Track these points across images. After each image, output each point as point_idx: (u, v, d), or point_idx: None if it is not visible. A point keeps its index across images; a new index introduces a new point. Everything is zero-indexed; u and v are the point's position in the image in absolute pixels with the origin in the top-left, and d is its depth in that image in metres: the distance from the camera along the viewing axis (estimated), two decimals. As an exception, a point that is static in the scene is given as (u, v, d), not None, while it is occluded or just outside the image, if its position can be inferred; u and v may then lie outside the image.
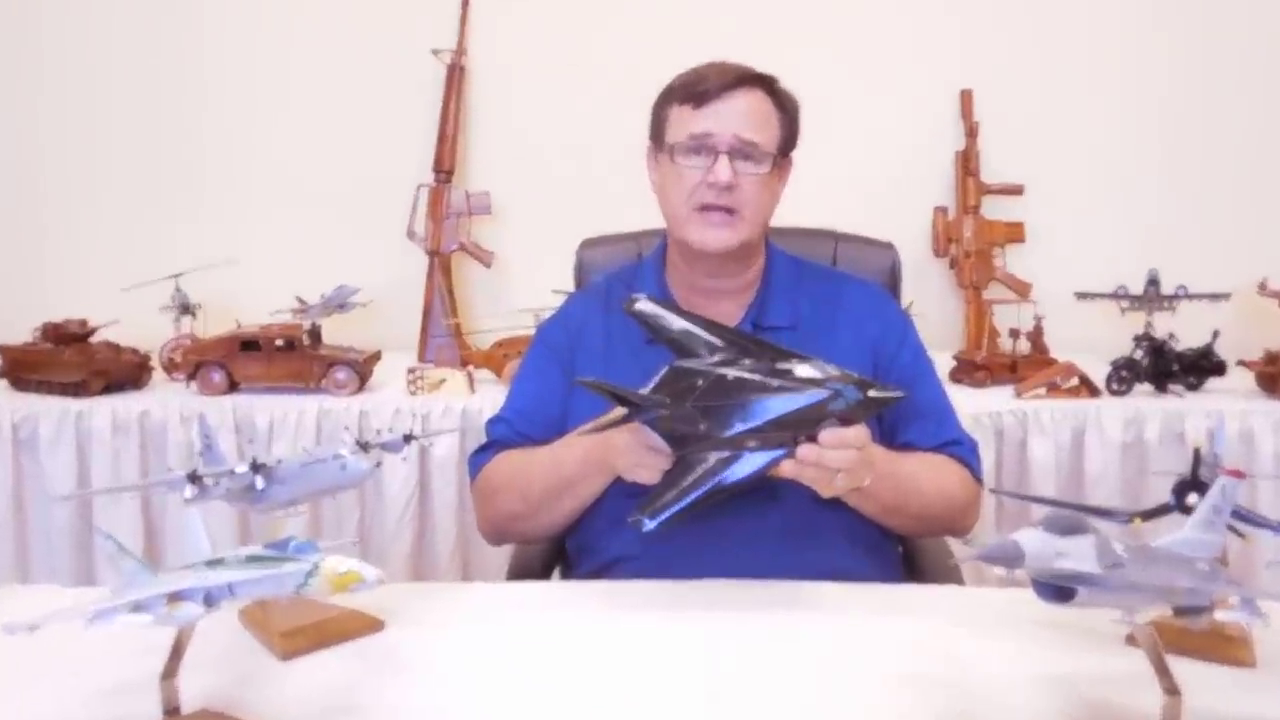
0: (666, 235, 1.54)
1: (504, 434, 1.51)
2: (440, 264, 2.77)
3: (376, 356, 2.57)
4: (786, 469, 1.22)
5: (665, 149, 1.44)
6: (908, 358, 1.50)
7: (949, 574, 1.48)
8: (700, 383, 1.24)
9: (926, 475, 1.42)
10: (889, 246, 1.83)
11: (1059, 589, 0.93)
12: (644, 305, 1.35)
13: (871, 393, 1.21)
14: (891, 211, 2.76)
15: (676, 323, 1.32)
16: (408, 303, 2.81)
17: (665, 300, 1.39)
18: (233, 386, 2.43)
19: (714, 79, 1.41)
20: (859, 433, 1.24)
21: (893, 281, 1.79)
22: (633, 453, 1.29)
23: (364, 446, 1.24)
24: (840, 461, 1.22)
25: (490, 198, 2.79)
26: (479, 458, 1.52)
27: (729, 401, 1.21)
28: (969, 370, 2.52)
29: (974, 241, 2.76)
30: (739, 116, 1.40)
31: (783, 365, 1.23)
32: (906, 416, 1.47)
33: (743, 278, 1.50)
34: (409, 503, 2.36)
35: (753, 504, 1.37)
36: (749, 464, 1.21)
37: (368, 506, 2.40)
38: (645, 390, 1.26)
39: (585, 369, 1.49)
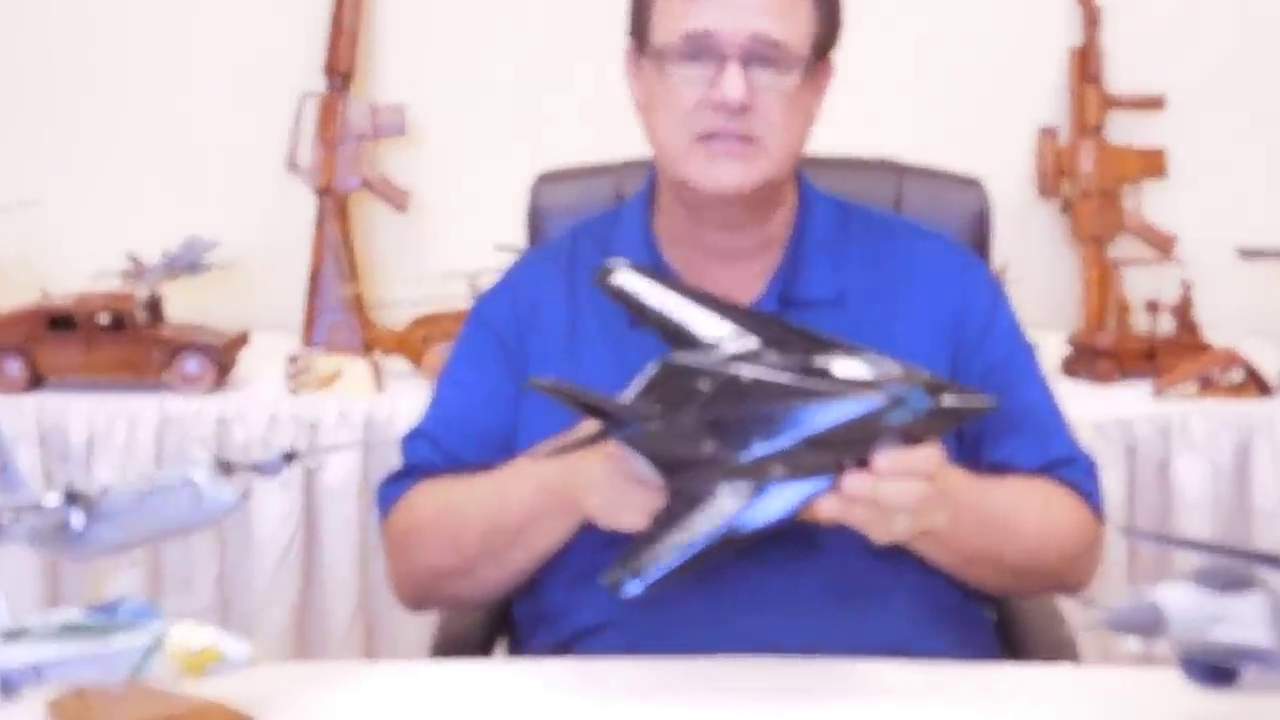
0: (654, 174, 1.54)
1: (427, 456, 1.52)
2: (334, 208, 2.77)
3: (243, 339, 2.56)
4: (827, 508, 1.23)
5: (650, 53, 1.44)
6: (999, 343, 1.51)
7: (1061, 648, 1.49)
8: (705, 385, 1.24)
9: (1027, 510, 1.43)
10: (974, 184, 1.84)
11: (1216, 668, 0.94)
12: (624, 277, 1.34)
13: (948, 400, 1.21)
14: (978, 135, 2.77)
15: (671, 301, 1.32)
16: (288, 263, 2.80)
17: (654, 268, 1.39)
18: (36, 381, 2.42)
19: None
20: (930, 456, 1.24)
21: (980, 235, 1.80)
22: (609, 486, 1.30)
23: (225, 468, 1.24)
24: (903, 497, 1.23)
25: (406, 114, 2.78)
26: (392, 489, 1.52)
27: (746, 412, 1.22)
28: (1089, 360, 2.53)
29: (1096, 177, 2.77)
30: (754, 3, 1.40)
31: (822, 360, 1.23)
32: (998, 427, 1.47)
33: (764, 231, 1.50)
34: (289, 549, 2.36)
35: (781, 555, 1.38)
36: (775, 502, 1.21)
37: (231, 554, 2.40)
38: (627, 396, 1.26)
39: (542, 363, 1.49)
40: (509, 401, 1.50)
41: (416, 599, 1.52)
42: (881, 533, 1.26)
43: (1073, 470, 1.48)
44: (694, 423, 1.22)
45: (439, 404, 1.56)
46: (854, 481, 1.20)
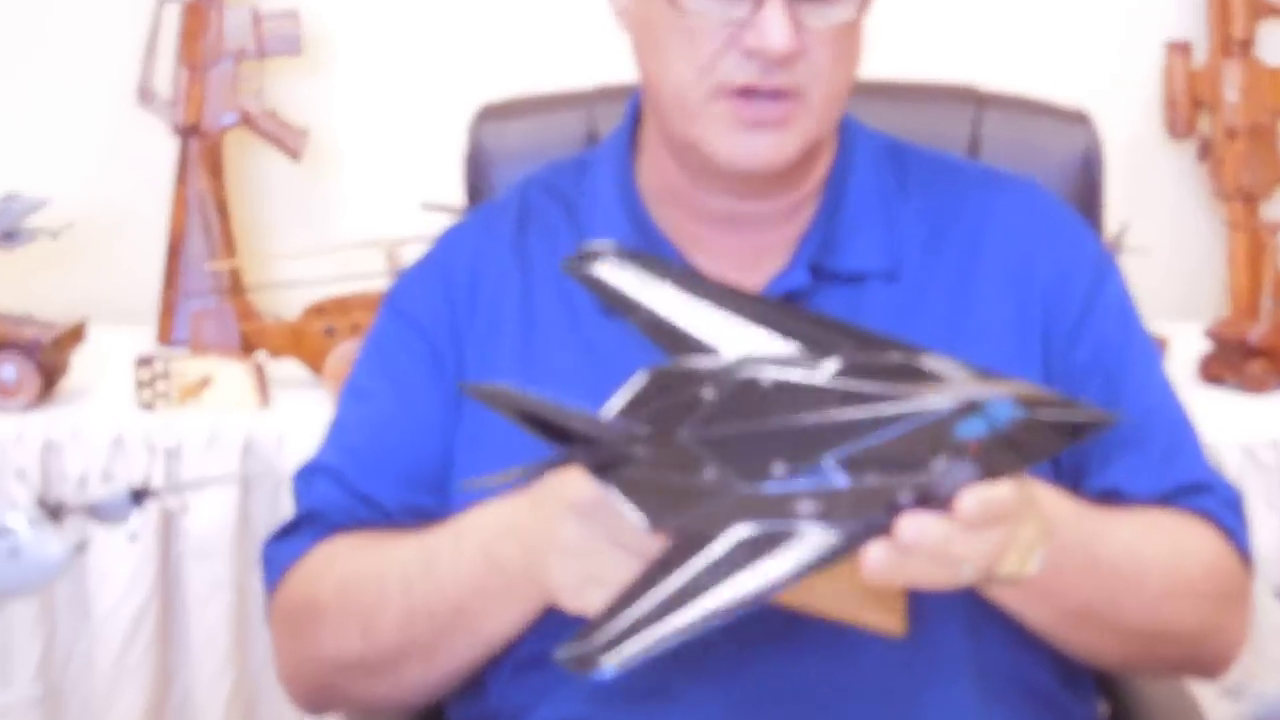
0: (639, 101, 1.54)
1: (330, 499, 1.51)
2: (204, 154, 2.78)
3: (78, 334, 2.56)
4: (874, 561, 1.21)
5: None
6: (1105, 329, 1.51)
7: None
8: (710, 394, 1.23)
9: (1153, 550, 1.42)
10: (1079, 119, 1.85)
11: None
12: (608, 269, 1.34)
13: (1046, 412, 1.21)
14: (1083, 55, 2.78)
15: (676, 302, 1.31)
16: (138, 230, 2.81)
17: (643, 252, 1.37)
18: None
19: None
20: (1008, 495, 1.23)
21: (1085, 188, 1.81)
22: (580, 551, 1.27)
23: (54, 512, 1.25)
24: (981, 547, 1.22)
25: (301, 23, 2.79)
26: (284, 548, 1.52)
27: (765, 427, 1.21)
28: (1235, 360, 2.54)
29: (1244, 110, 2.78)
30: None
31: (869, 362, 1.23)
32: (1105, 444, 1.46)
33: (795, 194, 1.51)
34: (141, 621, 2.36)
35: (808, 629, 1.36)
36: (802, 552, 1.21)
37: (63, 629, 2.40)
38: (607, 411, 1.25)
39: (484, 367, 1.49)
40: (440, 423, 1.50)
41: (313, 698, 1.51)
42: (945, 581, 1.25)
43: (1208, 499, 1.48)
44: (693, 443, 1.21)
45: (343, 428, 1.55)
46: (915, 526, 1.18)
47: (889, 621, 1.25)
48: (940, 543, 1.18)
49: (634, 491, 1.22)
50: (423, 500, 1.48)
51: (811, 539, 1.19)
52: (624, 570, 1.23)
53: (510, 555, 1.35)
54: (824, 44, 1.41)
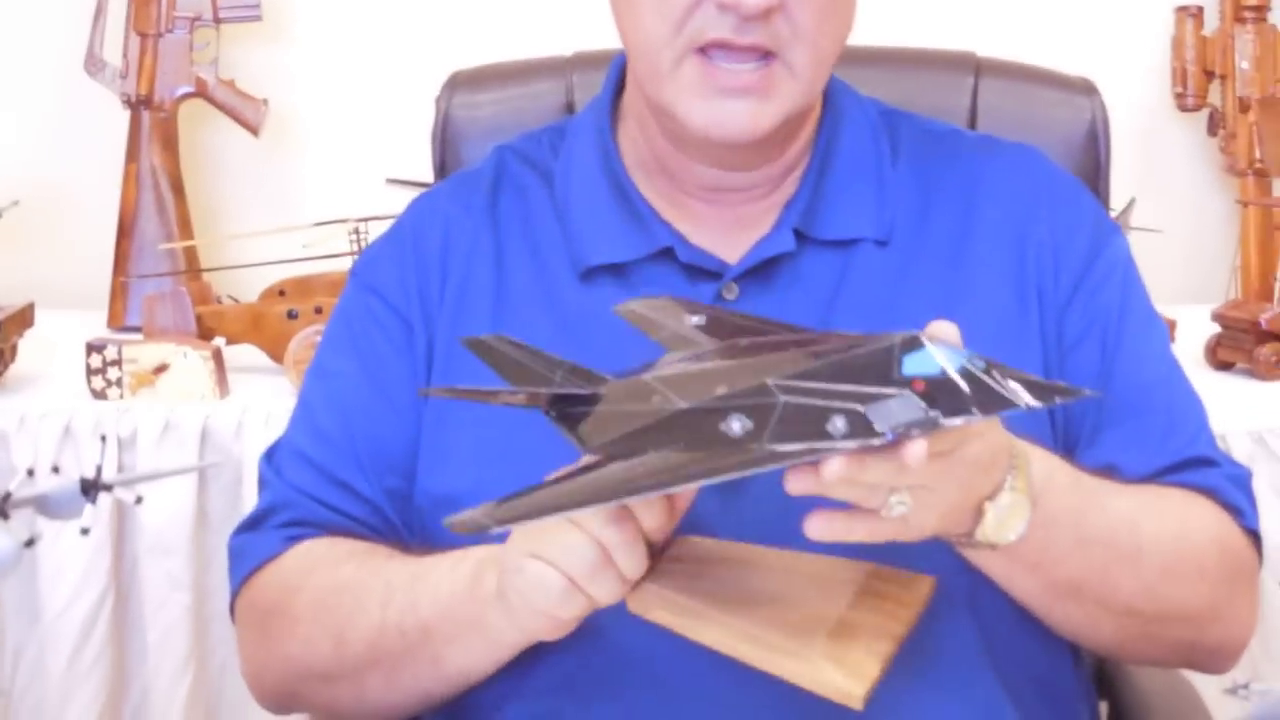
0: (621, 67, 1.55)
1: (302, 487, 1.52)
2: (157, 127, 2.78)
3: (25, 319, 2.56)
4: (794, 484, 1.22)
5: None
6: (1105, 298, 1.52)
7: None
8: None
9: (1154, 523, 1.43)
10: (1084, 88, 1.86)
11: None
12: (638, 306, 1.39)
13: (998, 379, 1.22)
14: (1088, 21, 2.79)
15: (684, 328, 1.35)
16: (87, 208, 2.81)
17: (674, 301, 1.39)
18: None
19: None
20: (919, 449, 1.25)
21: (1090, 161, 1.82)
22: (537, 532, 1.28)
23: (-1, 504, 1.25)
24: (903, 479, 1.22)
25: (261, -11, 2.80)
26: (254, 543, 1.52)
27: (714, 366, 1.25)
28: (1244, 345, 2.54)
29: (1258, 80, 2.79)
30: None
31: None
32: (1103, 416, 1.49)
33: (780, 164, 1.52)
34: (95, 620, 2.37)
35: None
36: (717, 460, 1.22)
37: (13, 630, 2.41)
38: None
39: (458, 333, 1.47)
40: (411, 400, 1.50)
41: (277, 700, 1.52)
42: (891, 526, 1.26)
43: (1212, 475, 1.49)
44: (655, 379, 1.24)
45: (311, 409, 1.55)
46: (833, 465, 1.17)
47: (850, 684, 1.24)
48: (864, 470, 1.18)
49: (591, 429, 1.26)
50: (395, 482, 1.49)
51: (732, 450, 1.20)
52: (571, 547, 1.25)
53: (489, 581, 1.34)
54: (808, 2, 1.41)
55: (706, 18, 1.40)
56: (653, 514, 1.26)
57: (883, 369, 1.19)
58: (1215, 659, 1.49)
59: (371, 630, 1.41)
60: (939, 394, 1.18)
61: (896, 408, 1.18)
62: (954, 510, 1.28)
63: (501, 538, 1.34)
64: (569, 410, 1.26)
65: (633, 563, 1.26)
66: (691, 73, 1.41)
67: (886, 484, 1.21)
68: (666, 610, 1.28)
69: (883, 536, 1.26)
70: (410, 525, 1.51)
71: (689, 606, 1.28)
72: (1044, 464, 1.34)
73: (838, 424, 1.17)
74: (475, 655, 1.39)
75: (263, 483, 1.55)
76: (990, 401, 1.20)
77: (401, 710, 1.46)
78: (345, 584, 1.44)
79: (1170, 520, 1.44)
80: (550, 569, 1.26)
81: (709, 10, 1.39)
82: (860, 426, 1.17)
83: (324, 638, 1.44)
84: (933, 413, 1.17)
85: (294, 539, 1.50)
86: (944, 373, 1.19)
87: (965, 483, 1.26)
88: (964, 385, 1.19)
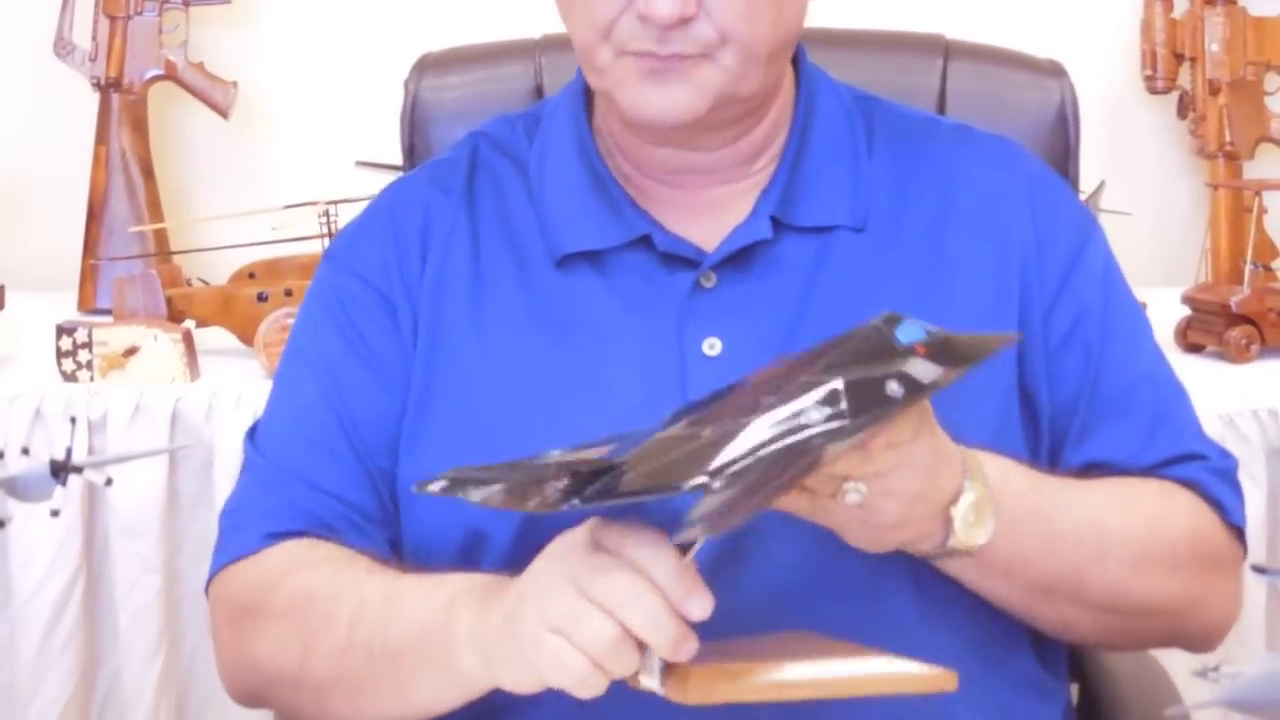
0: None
1: (293, 470, 1.50)
2: (126, 110, 2.77)
3: (-6, 300, 2.56)
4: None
5: None
6: (1088, 298, 1.52)
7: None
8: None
9: (1121, 518, 1.44)
10: (1053, 71, 1.86)
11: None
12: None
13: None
14: (1058, 3, 2.79)
15: None
16: (56, 191, 2.81)
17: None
18: None
19: None
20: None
21: (1060, 145, 1.82)
22: (549, 593, 1.24)
23: (-31, 487, 1.24)
24: (860, 469, 1.25)
25: (231, -29, 2.79)
26: (239, 529, 1.51)
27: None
28: (1215, 327, 2.55)
29: (1226, 63, 2.79)
30: None
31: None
32: (1089, 413, 1.50)
33: (740, 146, 1.52)
34: (65, 604, 2.36)
35: (789, 612, 1.38)
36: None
37: (-23, 614, 2.40)
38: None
39: (436, 320, 1.50)
40: (400, 380, 1.50)
41: (249, 698, 1.51)
42: (849, 515, 1.29)
43: (1196, 468, 1.50)
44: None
45: (294, 393, 1.55)
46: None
47: (934, 674, 1.24)
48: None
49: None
50: (385, 463, 1.49)
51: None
52: (591, 625, 1.21)
53: (464, 621, 1.31)
54: (726, 5, 1.40)
55: (630, 28, 1.40)
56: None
57: (881, 347, 1.21)
58: (1200, 642, 1.51)
59: (338, 648, 1.39)
60: (938, 354, 1.22)
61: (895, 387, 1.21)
62: (917, 503, 1.30)
63: (467, 520, 1.36)
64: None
65: (664, 637, 1.21)
66: (625, 65, 1.42)
67: (840, 473, 1.24)
68: (721, 679, 1.23)
69: (838, 521, 1.29)
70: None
71: (742, 670, 1.23)
72: (997, 467, 1.36)
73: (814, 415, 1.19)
74: (442, 691, 1.35)
75: (248, 465, 1.54)
76: (964, 356, 1.24)
77: None
78: (319, 591, 1.42)
79: (1139, 516, 1.45)
80: (573, 651, 1.21)
81: (631, 21, 1.40)
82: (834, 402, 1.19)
83: (293, 644, 1.42)
84: (951, 371, 1.21)
85: (276, 536, 1.48)
86: (930, 334, 1.23)
87: (924, 470, 1.29)
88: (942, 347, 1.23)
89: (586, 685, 1.22)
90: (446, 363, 1.44)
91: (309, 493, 1.49)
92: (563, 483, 1.22)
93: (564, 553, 1.25)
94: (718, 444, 1.19)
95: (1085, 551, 1.42)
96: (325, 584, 1.42)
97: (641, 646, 1.21)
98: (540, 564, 1.26)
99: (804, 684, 1.23)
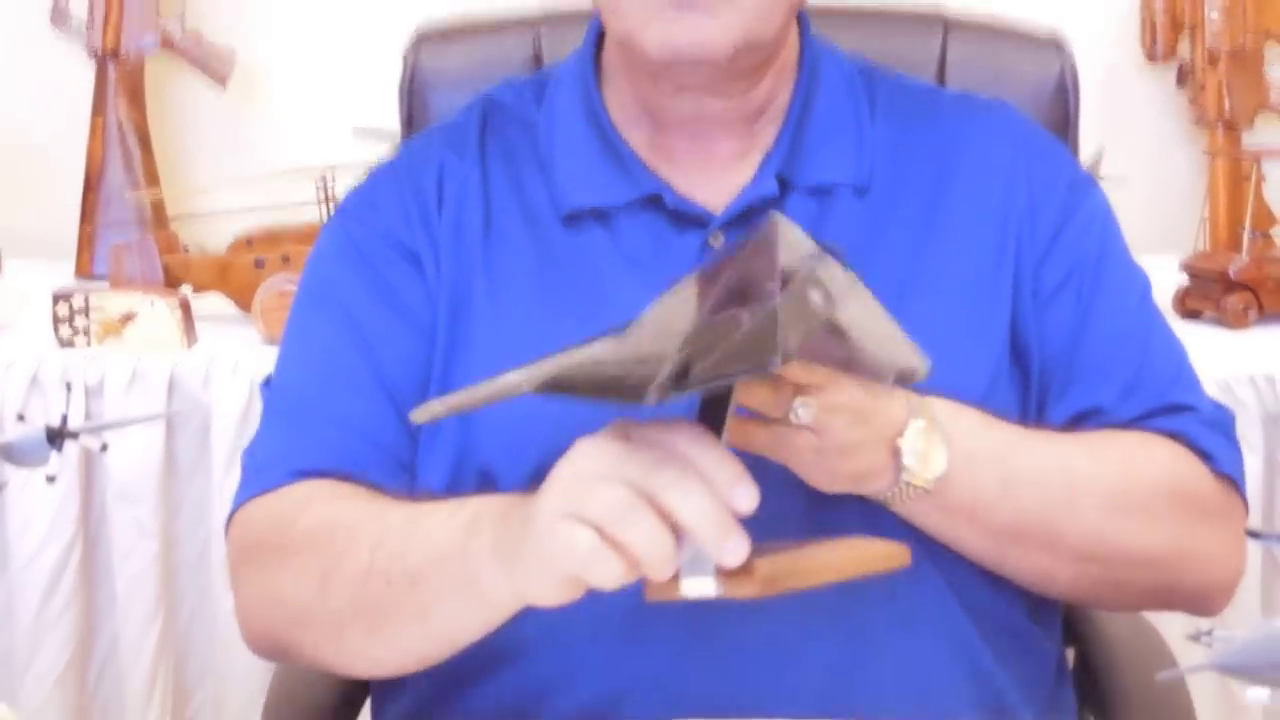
0: (600, 22, 1.55)
1: (321, 411, 1.49)
2: (123, 79, 2.77)
3: (-9, 268, 2.56)
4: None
5: None
6: (1080, 251, 1.53)
7: (1157, 702, 1.52)
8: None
9: (1090, 471, 1.45)
10: (1053, 43, 1.86)
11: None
12: None
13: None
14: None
15: None
16: (54, 159, 2.81)
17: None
18: None
19: None
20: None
21: (1059, 115, 1.82)
22: (573, 484, 1.20)
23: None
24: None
25: (227, -61, 2.80)
26: (261, 466, 1.49)
27: None
28: (1214, 294, 2.56)
29: (1226, 30, 2.79)
30: None
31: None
32: (1080, 366, 1.50)
33: (752, 99, 1.53)
34: (62, 570, 2.37)
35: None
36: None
37: (-25, 579, 2.41)
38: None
39: (455, 276, 1.50)
40: (429, 326, 1.49)
41: (268, 641, 1.49)
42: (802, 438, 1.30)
43: (1184, 420, 1.50)
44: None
45: (316, 339, 1.53)
46: None
47: (891, 551, 1.26)
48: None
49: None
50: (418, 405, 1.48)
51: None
52: (611, 500, 1.16)
53: (486, 536, 1.28)
54: None
55: None
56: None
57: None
58: (1200, 602, 1.51)
59: (357, 577, 1.36)
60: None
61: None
62: (861, 423, 1.32)
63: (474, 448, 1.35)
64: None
65: (714, 527, 1.16)
66: (641, 3, 1.43)
67: (788, 391, 1.26)
68: (779, 569, 1.20)
69: (794, 453, 1.31)
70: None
71: (792, 559, 1.21)
72: (945, 405, 1.38)
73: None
74: (464, 615, 1.32)
75: (269, 409, 1.53)
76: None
77: (385, 669, 1.43)
78: (341, 523, 1.40)
79: (1111, 462, 1.46)
80: (580, 526, 1.16)
81: None
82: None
83: (312, 577, 1.40)
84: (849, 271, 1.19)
85: (301, 474, 1.46)
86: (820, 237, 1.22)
87: (865, 385, 1.30)
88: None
89: (596, 565, 1.16)
90: (465, 315, 1.46)
91: (337, 432, 1.48)
92: (665, 374, 1.15)
93: (590, 452, 1.19)
94: (770, 323, 1.14)
95: (1053, 497, 1.42)
96: (346, 516, 1.40)
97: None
98: (565, 467, 1.20)
99: (832, 568, 1.24)
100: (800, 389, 1.26)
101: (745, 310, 1.14)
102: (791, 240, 1.18)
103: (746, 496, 1.16)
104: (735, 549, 1.15)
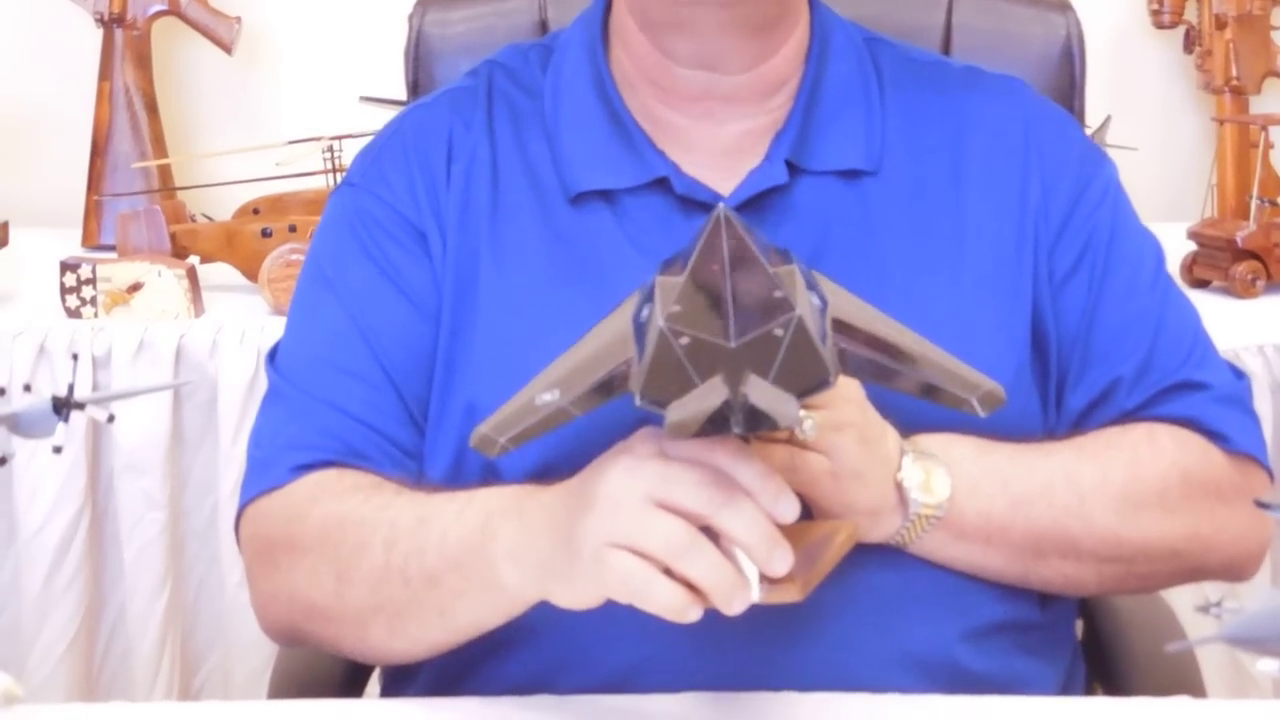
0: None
1: (325, 398, 1.49)
2: (130, 45, 2.77)
3: (-2, 237, 2.56)
4: None
5: None
6: (1093, 230, 1.53)
7: (1166, 673, 1.52)
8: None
9: (1096, 475, 1.45)
10: (1060, 7, 1.86)
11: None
12: None
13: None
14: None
15: None
16: (61, 127, 2.81)
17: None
18: None
19: None
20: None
21: (1066, 83, 1.82)
22: (618, 508, 1.21)
23: (-28, 423, 1.25)
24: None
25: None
26: (268, 461, 1.49)
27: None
28: (1221, 262, 2.55)
29: (1234, -2, 2.80)
30: None
31: None
32: (1094, 351, 1.50)
33: (764, 73, 1.52)
34: (70, 542, 2.38)
35: None
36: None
37: (-18, 549, 2.42)
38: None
39: (461, 247, 1.49)
40: (434, 305, 1.49)
41: (286, 631, 1.50)
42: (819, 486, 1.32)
43: (1196, 399, 1.50)
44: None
45: (321, 318, 1.52)
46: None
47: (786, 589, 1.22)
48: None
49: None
50: (419, 389, 1.48)
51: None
52: (669, 534, 1.18)
53: (504, 540, 1.30)
54: None
55: None
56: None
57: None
58: (1230, 574, 1.52)
59: (374, 575, 1.37)
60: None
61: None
62: (866, 442, 1.34)
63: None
64: None
65: (763, 542, 1.19)
66: None
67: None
68: (816, 565, 1.24)
69: (812, 477, 1.31)
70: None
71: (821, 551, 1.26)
72: (935, 439, 1.40)
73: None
74: (485, 610, 1.34)
75: (273, 393, 1.52)
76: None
77: (408, 658, 1.43)
78: (350, 519, 1.40)
79: (1116, 463, 1.46)
80: (632, 557, 1.19)
81: None
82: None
83: (327, 574, 1.40)
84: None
85: (305, 468, 1.46)
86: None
87: (857, 402, 1.33)
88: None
89: (680, 609, 1.18)
90: (471, 294, 1.45)
91: (340, 420, 1.47)
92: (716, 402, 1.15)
93: (632, 472, 1.21)
94: (807, 333, 1.15)
95: (1063, 506, 1.43)
96: (354, 511, 1.40)
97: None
98: (602, 485, 1.22)
99: (838, 549, 1.27)
100: (804, 405, 1.24)
101: (774, 324, 1.14)
102: (757, 240, 1.17)
103: (788, 508, 1.19)
104: (782, 560, 1.19)
